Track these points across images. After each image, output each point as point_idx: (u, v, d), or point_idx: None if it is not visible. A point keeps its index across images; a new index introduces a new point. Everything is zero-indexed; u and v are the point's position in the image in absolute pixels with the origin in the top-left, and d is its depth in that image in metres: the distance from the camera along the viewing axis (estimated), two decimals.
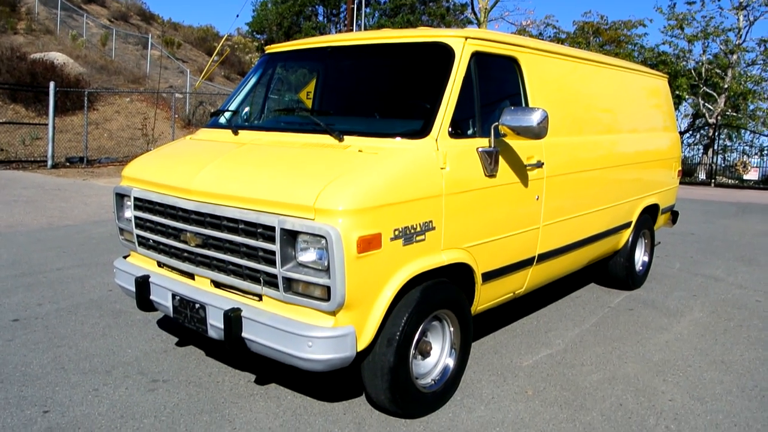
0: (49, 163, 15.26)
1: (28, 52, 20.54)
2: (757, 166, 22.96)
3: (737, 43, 25.02)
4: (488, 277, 3.95)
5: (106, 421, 3.43)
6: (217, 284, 3.54)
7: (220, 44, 26.20)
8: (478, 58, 3.86)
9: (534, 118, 3.57)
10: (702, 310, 5.83)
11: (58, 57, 20.38)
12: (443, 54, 3.75)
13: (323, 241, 2.94)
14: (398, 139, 3.49)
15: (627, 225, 5.92)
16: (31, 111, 17.78)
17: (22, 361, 4.15)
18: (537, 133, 3.62)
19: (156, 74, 23.06)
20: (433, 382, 3.68)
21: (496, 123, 3.71)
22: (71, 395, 3.71)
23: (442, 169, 3.45)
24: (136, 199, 3.91)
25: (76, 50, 22.87)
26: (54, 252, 7.13)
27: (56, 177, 13.91)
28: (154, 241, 3.86)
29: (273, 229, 3.07)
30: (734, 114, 27.83)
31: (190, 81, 23.14)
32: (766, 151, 24.78)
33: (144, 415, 3.50)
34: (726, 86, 25.16)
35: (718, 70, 25.68)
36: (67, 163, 15.91)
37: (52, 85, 15.50)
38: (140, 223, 3.93)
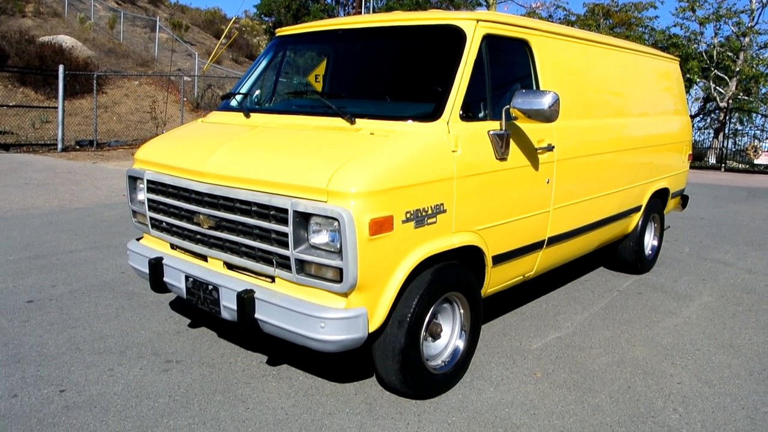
0: (59, 146, 15.32)
1: (36, 35, 20.56)
2: None
3: (749, 25, 24.71)
4: (498, 260, 3.97)
5: (122, 400, 3.48)
6: (230, 266, 3.58)
7: (228, 27, 26.12)
8: (489, 40, 3.85)
9: (545, 101, 3.57)
10: (711, 295, 5.84)
11: (66, 40, 20.39)
12: (455, 36, 3.74)
13: (336, 224, 2.96)
14: (410, 122, 3.50)
15: (637, 209, 5.92)
16: (41, 94, 17.82)
17: (37, 342, 4.21)
18: (548, 116, 3.62)
19: (164, 57, 23.07)
20: (443, 363, 3.72)
21: (508, 106, 3.71)
22: (87, 375, 3.77)
23: (453, 152, 3.46)
24: (149, 181, 3.95)
25: (84, 33, 22.87)
26: (66, 234, 7.19)
27: (66, 160, 13.97)
28: (167, 223, 3.89)
29: (286, 211, 3.10)
30: (746, 98, 27.53)
31: (199, 64, 23.13)
32: None
33: (158, 395, 3.56)
34: (737, 69, 24.89)
35: (729, 53, 25.40)
36: (77, 147, 15.97)
37: (61, 68, 15.51)
38: (153, 206, 3.96)
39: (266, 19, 35.26)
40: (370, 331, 3.19)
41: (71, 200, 9.32)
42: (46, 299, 5.02)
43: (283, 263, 3.21)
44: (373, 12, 26.14)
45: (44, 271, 5.75)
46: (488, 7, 27.04)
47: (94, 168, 12.99)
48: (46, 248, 6.55)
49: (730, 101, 25.10)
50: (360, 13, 21.29)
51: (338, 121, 3.62)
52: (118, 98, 19.61)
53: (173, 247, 3.97)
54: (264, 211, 3.22)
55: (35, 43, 19.35)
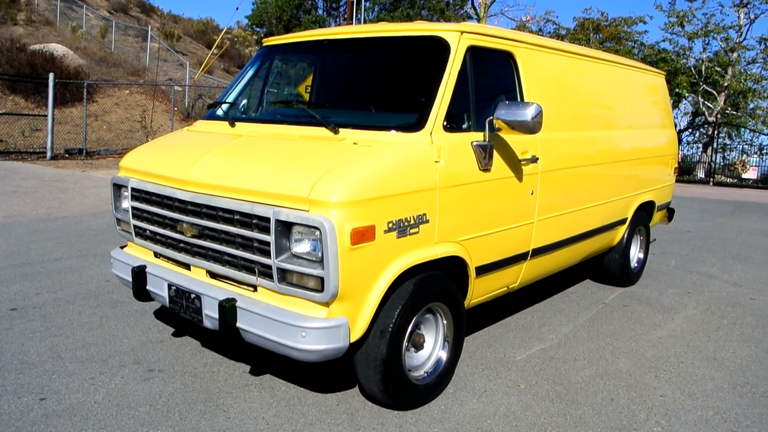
0: (49, 154, 15.26)
1: (27, 43, 20.50)
2: (756, 165, 22.96)
3: (738, 41, 25.03)
4: (482, 270, 3.97)
5: (102, 409, 3.46)
6: (213, 275, 3.57)
7: (220, 37, 26.18)
8: (473, 52, 3.87)
9: (528, 113, 3.59)
10: (696, 308, 5.86)
11: (57, 48, 20.34)
12: (439, 48, 3.77)
13: (317, 233, 2.96)
14: (393, 132, 3.51)
15: (622, 221, 5.95)
16: (31, 102, 17.76)
17: (19, 350, 4.18)
18: (531, 127, 3.64)
19: (155, 67, 23.05)
20: (425, 374, 3.71)
21: (491, 117, 3.73)
22: (68, 383, 3.74)
23: (436, 162, 3.48)
24: (133, 189, 3.94)
25: (75, 42, 22.84)
26: (52, 243, 7.15)
27: (55, 168, 13.91)
28: (150, 231, 3.88)
29: (268, 220, 3.10)
30: (734, 112, 27.84)
31: (190, 74, 23.13)
32: (765, 150, 24.77)
33: (139, 404, 3.53)
34: (726, 84, 25.17)
35: (718, 68, 25.69)
36: (66, 155, 15.91)
37: (51, 76, 15.48)
38: (137, 214, 3.95)
39: (258, 29, 35.36)
40: (352, 341, 3.18)
41: (58, 208, 9.27)
42: (29, 307, 4.99)
43: (265, 272, 3.20)
44: (364, 24, 26.26)
45: (29, 279, 5.71)
46: (479, 20, 27.24)
47: (83, 176, 12.94)
48: (31, 256, 6.51)
49: (719, 116, 25.34)
50: (350, 24, 21.39)
51: (322, 131, 3.63)
52: (109, 107, 19.57)
53: (157, 255, 3.96)
54: (246, 219, 3.22)
55: (26, 51, 19.29)
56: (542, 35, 23.06)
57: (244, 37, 32.94)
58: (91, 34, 25.15)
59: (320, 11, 35.87)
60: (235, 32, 33.72)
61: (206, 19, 35.79)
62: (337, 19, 35.22)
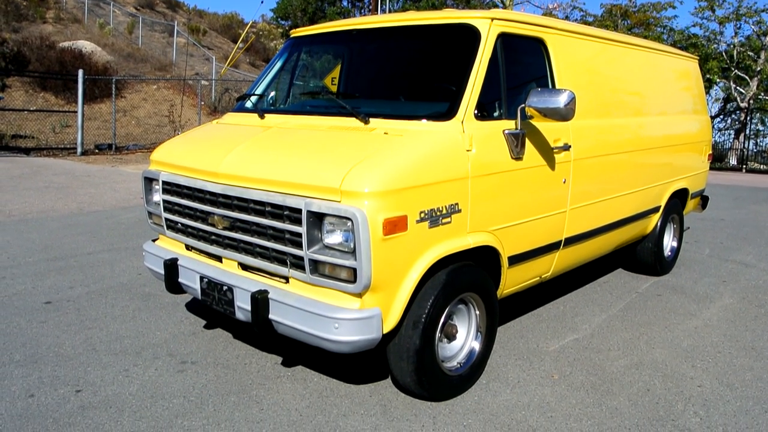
0: (79, 150, 15.48)
1: (56, 40, 20.81)
2: None
3: None
4: (514, 260, 3.93)
5: (137, 400, 3.49)
6: (245, 267, 3.57)
7: (245, 31, 26.31)
8: (504, 39, 3.81)
9: (561, 100, 3.53)
10: (732, 296, 5.74)
11: (86, 45, 20.62)
12: (469, 35, 3.72)
13: (349, 223, 2.95)
14: (424, 121, 3.48)
15: (655, 209, 5.84)
16: (61, 99, 18.04)
17: (55, 342, 4.24)
18: (564, 114, 3.57)
19: (182, 61, 23.22)
20: (458, 365, 3.69)
21: (523, 105, 3.67)
22: (103, 375, 3.78)
23: (468, 151, 3.43)
24: (164, 182, 3.96)
25: (103, 38, 23.12)
26: (84, 237, 7.25)
27: (86, 164, 14.11)
28: (182, 224, 3.90)
29: (299, 211, 3.09)
30: (767, 98, 27.22)
31: (216, 68, 23.27)
32: None
33: (173, 396, 3.56)
34: (759, 69, 24.60)
35: (750, 53, 25.12)
36: (96, 150, 16.13)
37: (80, 73, 15.69)
38: (168, 207, 3.98)
39: (283, 22, 35.48)
40: (385, 332, 3.16)
41: (90, 203, 9.40)
42: (63, 300, 5.06)
43: (297, 263, 3.20)
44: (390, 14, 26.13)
45: (62, 273, 5.79)
46: (505, 8, 26.94)
47: (113, 171, 13.11)
48: (64, 250, 6.61)
49: (751, 101, 24.79)
50: (376, 14, 21.32)
51: (352, 121, 3.61)
52: (137, 102, 19.79)
53: (188, 248, 3.98)
54: (278, 211, 3.21)
55: (56, 49, 19.60)
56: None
57: (269, 31, 33.07)
58: (119, 31, 25.45)
59: (345, 2, 35.85)
60: (260, 26, 33.87)
61: (231, 13, 36.09)
62: (362, 10, 35.15)
